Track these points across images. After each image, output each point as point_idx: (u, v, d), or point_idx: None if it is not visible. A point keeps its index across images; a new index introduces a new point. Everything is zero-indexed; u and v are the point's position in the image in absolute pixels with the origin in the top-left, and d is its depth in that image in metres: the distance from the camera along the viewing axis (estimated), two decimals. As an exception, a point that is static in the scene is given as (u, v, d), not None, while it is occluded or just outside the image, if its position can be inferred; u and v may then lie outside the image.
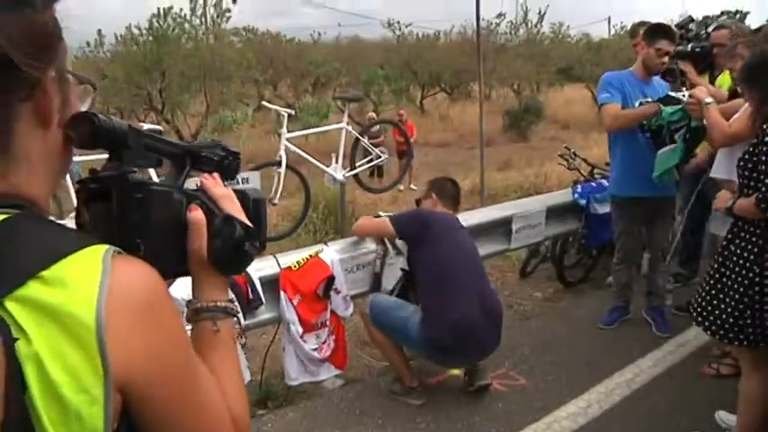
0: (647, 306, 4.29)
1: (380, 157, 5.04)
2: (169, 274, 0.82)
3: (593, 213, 4.83)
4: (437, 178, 3.73)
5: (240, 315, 2.97)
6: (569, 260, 5.31)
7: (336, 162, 4.66)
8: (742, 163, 2.51)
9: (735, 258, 2.56)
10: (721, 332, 2.60)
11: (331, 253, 3.53)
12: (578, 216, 4.94)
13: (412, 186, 11.05)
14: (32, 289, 0.60)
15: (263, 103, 5.41)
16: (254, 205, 0.94)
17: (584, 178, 5.28)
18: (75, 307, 0.61)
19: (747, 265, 2.51)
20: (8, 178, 0.68)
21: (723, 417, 3.05)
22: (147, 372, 0.66)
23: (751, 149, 2.48)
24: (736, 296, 2.53)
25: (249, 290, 3.15)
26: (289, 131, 4.48)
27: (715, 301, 2.63)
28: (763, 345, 2.51)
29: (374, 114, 15.26)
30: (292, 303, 3.31)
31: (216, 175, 0.92)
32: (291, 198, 7.94)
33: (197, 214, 0.83)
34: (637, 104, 3.86)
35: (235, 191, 0.93)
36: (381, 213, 3.73)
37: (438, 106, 25.09)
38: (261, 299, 3.22)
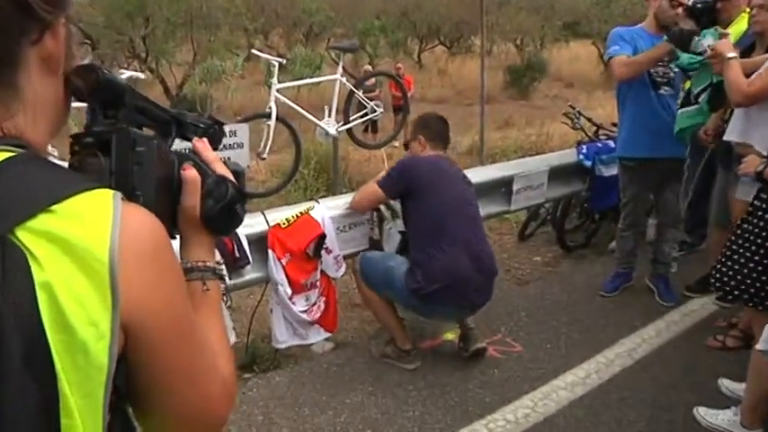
0: (652, 273, 4.26)
1: (375, 111, 4.94)
2: None
3: (598, 176, 4.76)
4: (421, 116, 3.61)
5: (226, 276, 2.90)
6: (570, 224, 5.26)
7: (329, 115, 4.57)
8: None
9: (762, 223, 2.61)
10: (742, 294, 2.70)
11: (322, 210, 3.46)
12: (582, 178, 4.86)
13: (407, 143, 10.95)
14: (44, 221, 0.62)
15: (253, 51, 5.28)
16: (233, 175, 0.95)
17: (588, 138, 5.19)
18: (89, 241, 0.63)
19: None
20: (15, 119, 0.70)
21: (728, 384, 3.04)
22: (152, 313, 0.68)
23: None
24: (760, 258, 2.62)
25: (235, 248, 3.09)
26: (279, 82, 4.37)
27: (737, 266, 2.70)
28: None
29: (370, 67, 14.98)
30: (281, 263, 3.25)
31: (205, 140, 0.95)
32: (281, 152, 7.82)
33: (192, 172, 0.87)
34: None
35: None
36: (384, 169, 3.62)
37: (436, 60, 24.75)
38: (248, 257, 3.16)
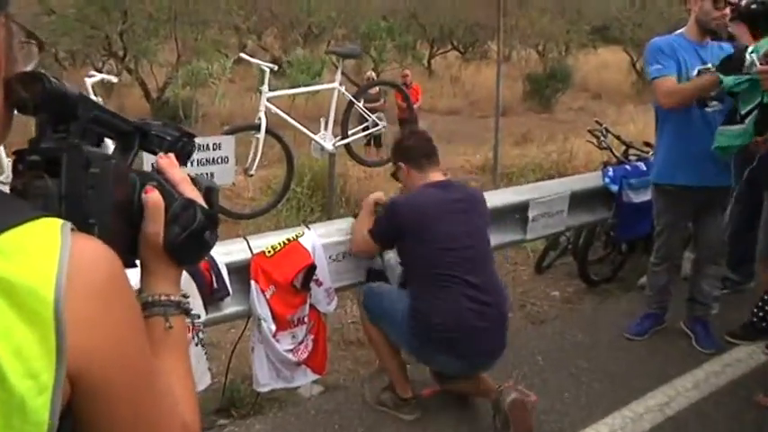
0: (688, 315, 4.21)
1: (378, 124, 4.98)
2: None
3: (625, 202, 4.75)
4: (396, 141, 3.55)
5: (202, 310, 2.90)
6: (594, 255, 5.25)
7: (325, 129, 4.60)
8: None
9: None
10: None
11: (313, 237, 3.45)
12: (608, 204, 4.85)
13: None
14: None
15: (241, 55, 5.32)
16: (205, 194, 0.96)
17: (616, 160, 5.20)
18: (32, 280, 0.62)
19: None
20: None
21: None
22: (105, 360, 0.67)
23: None
24: None
25: (213, 278, 3.08)
26: (272, 90, 4.40)
27: None
28: None
29: (373, 74, 15.10)
30: (264, 295, 3.24)
31: (172, 155, 0.94)
32: (272, 168, 7.86)
33: (155, 196, 0.86)
34: (695, 73, 3.72)
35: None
36: (379, 198, 3.60)
37: (448, 67, 24.95)
38: (227, 289, 3.15)
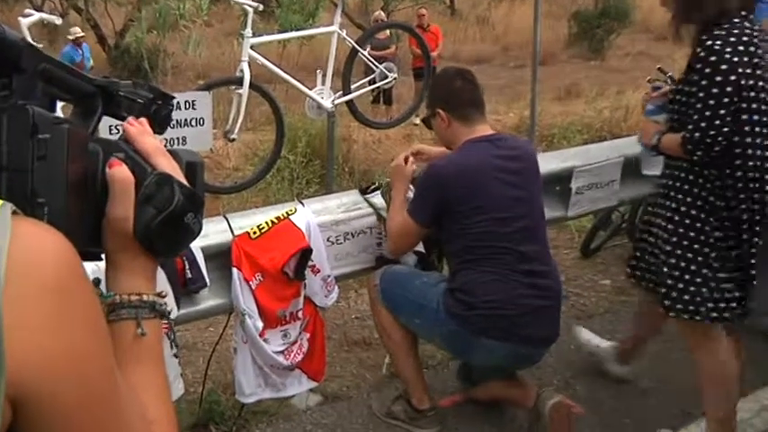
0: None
1: (386, 76, 4.96)
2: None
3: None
4: (436, 79, 3.56)
5: (173, 306, 2.91)
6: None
7: (323, 83, 4.62)
8: (676, 96, 3.04)
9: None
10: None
11: (308, 215, 3.46)
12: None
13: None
14: None
15: (219, -10, 5.30)
16: (187, 170, 0.95)
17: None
18: None
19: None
20: None
21: None
22: (56, 378, 0.66)
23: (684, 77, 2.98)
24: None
25: (187, 265, 3.09)
26: (256, 35, 4.41)
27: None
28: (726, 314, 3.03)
29: (383, 14, 15.00)
30: (249, 286, 3.25)
31: (143, 120, 0.94)
32: (258, 131, 7.92)
33: (122, 170, 0.85)
34: None
35: None
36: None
37: (475, 5, 24.77)
38: (204, 279, 3.16)
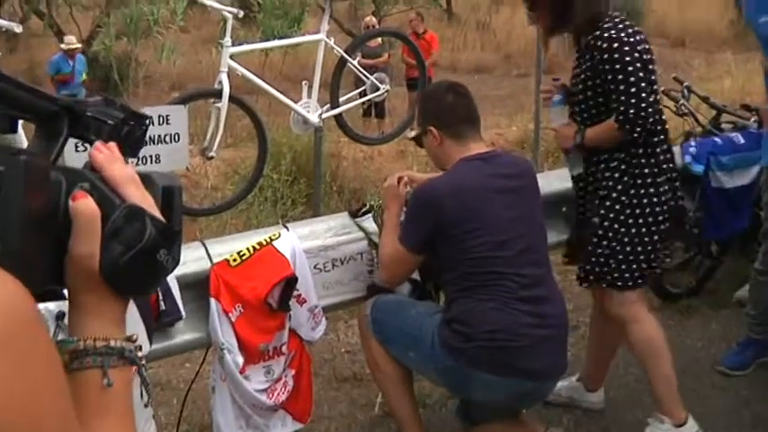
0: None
1: (378, 88, 4.98)
2: (35, 293, 0.78)
3: (715, 187, 4.77)
4: (426, 93, 3.58)
5: (146, 341, 2.91)
6: (672, 260, 5.25)
7: (309, 95, 4.62)
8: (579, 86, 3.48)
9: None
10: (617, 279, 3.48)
11: (293, 240, 3.47)
12: (690, 191, 4.84)
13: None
14: None
15: (196, -5, 5.34)
16: (163, 196, 0.95)
17: (702, 129, 5.20)
18: None
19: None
20: None
21: None
22: None
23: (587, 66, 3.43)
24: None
25: (160, 297, 3.09)
26: (236, 43, 4.43)
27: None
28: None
29: (374, 20, 15.08)
30: (229, 318, 3.26)
31: (112, 145, 0.92)
32: (239, 148, 7.91)
33: (87, 203, 0.84)
34: None
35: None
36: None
37: (475, 9, 24.88)
38: (179, 311, 3.16)
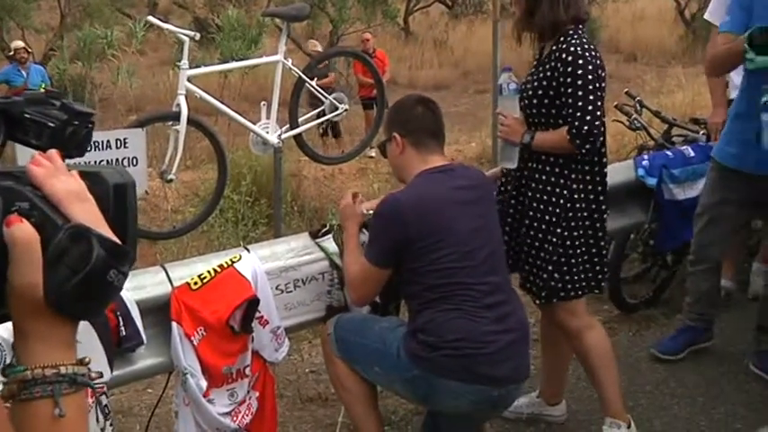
0: (756, 350, 4.29)
1: (337, 108, 4.99)
2: None
3: (667, 200, 4.83)
4: (396, 103, 3.59)
5: (106, 368, 2.88)
6: (629, 271, 5.31)
7: (268, 116, 4.62)
8: (534, 89, 3.54)
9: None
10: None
11: (254, 262, 3.46)
12: (643, 203, 4.91)
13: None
14: None
15: (149, 18, 5.28)
16: (114, 195, 0.88)
17: (654, 144, 5.26)
18: None
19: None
20: None
21: None
22: None
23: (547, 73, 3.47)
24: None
25: (121, 322, 3.05)
26: (193, 65, 4.41)
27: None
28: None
29: (317, 44, 14.90)
30: (191, 342, 3.24)
31: (53, 153, 0.86)
32: (199, 169, 7.88)
33: (22, 228, 0.79)
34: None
35: (82, 173, 0.86)
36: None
37: (432, 26, 25.05)
38: (140, 336, 3.13)
